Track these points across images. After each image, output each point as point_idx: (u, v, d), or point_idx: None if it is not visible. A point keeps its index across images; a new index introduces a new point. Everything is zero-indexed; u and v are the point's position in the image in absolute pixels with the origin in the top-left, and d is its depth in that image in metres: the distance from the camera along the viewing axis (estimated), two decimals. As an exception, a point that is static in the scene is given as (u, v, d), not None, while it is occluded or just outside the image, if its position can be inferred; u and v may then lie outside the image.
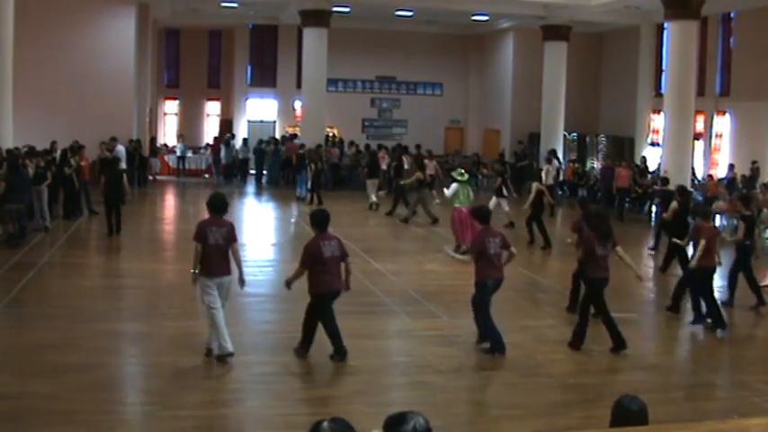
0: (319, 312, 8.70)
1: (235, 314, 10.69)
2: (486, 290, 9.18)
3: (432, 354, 9.18)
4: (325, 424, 3.26)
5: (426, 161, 21.68)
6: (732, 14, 23.96)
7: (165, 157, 28.92)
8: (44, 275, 12.85)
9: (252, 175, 28.19)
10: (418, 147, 25.65)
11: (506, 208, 18.71)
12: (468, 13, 27.97)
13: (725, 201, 19.40)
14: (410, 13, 28.33)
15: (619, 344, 9.35)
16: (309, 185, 22.62)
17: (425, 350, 9.31)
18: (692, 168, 21.77)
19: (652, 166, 24.01)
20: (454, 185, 15.79)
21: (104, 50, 24.27)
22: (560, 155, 27.01)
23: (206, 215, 8.78)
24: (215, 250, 8.43)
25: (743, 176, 21.29)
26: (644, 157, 25.17)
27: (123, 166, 22.63)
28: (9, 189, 14.47)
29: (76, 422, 6.92)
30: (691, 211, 14.05)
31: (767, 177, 20.94)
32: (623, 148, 27.58)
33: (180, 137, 29.63)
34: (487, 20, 29.32)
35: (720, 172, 23.49)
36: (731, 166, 22.68)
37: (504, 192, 18.76)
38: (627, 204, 22.13)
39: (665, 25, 21.53)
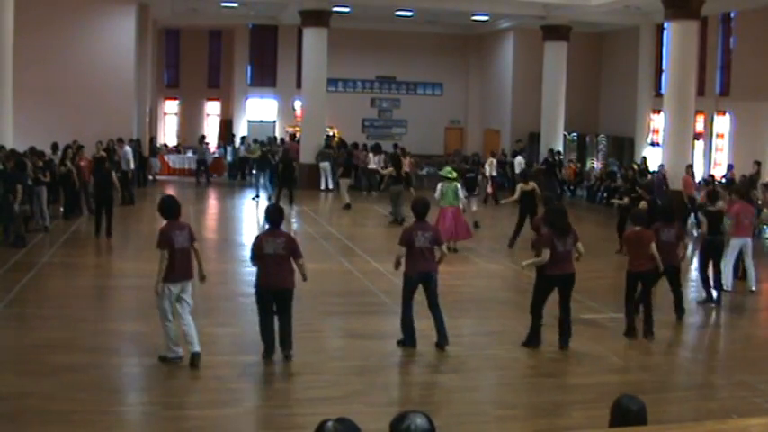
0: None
1: (234, 314, 10.72)
2: (409, 282, 9.16)
3: (432, 354, 9.17)
4: (330, 424, 3.25)
5: (403, 159, 21.78)
6: (732, 14, 23.94)
7: (165, 157, 28.88)
8: (44, 275, 12.84)
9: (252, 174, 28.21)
10: (395, 146, 27.10)
11: (474, 207, 18.42)
12: (468, 13, 27.95)
13: (725, 201, 19.31)
14: (410, 13, 28.30)
15: (529, 340, 9.43)
16: (268, 183, 22.80)
17: (426, 350, 9.29)
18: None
19: (652, 167, 23.97)
20: (441, 185, 15.60)
21: (104, 50, 24.25)
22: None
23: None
24: None
25: (742, 176, 21.24)
26: (644, 158, 25.14)
27: (132, 167, 22.68)
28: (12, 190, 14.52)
29: (76, 422, 6.93)
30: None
31: (767, 177, 20.92)
32: (623, 148, 27.59)
33: (201, 138, 28.81)
34: (487, 20, 29.30)
35: (721, 172, 23.43)
36: (730, 167, 22.63)
37: (475, 190, 18.72)
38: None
39: (665, 25, 21.51)
